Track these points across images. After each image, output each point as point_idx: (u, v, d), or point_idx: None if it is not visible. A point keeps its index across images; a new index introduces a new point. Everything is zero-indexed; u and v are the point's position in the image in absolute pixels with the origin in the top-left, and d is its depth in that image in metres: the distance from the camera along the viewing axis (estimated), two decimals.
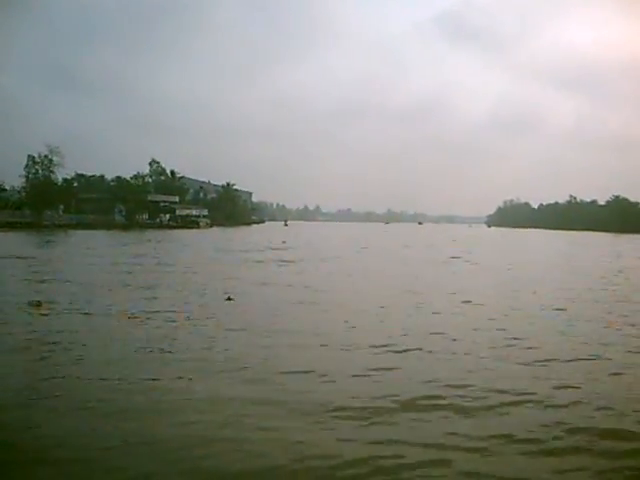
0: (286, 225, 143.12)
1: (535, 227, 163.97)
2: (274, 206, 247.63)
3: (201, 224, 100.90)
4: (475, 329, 12.05)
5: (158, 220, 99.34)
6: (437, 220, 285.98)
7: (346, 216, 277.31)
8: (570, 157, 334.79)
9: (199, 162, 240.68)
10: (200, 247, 43.26)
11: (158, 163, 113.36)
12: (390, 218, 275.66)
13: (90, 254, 32.63)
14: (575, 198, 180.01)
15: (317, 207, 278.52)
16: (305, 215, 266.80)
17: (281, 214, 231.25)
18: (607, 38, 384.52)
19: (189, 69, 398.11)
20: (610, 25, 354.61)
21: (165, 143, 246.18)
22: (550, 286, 21.05)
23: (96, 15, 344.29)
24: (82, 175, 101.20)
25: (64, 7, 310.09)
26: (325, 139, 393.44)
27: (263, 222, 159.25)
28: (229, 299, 15.55)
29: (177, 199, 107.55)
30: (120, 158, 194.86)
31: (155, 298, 15.71)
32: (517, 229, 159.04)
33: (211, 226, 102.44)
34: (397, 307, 15.16)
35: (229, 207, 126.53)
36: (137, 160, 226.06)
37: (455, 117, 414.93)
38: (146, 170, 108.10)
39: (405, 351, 9.96)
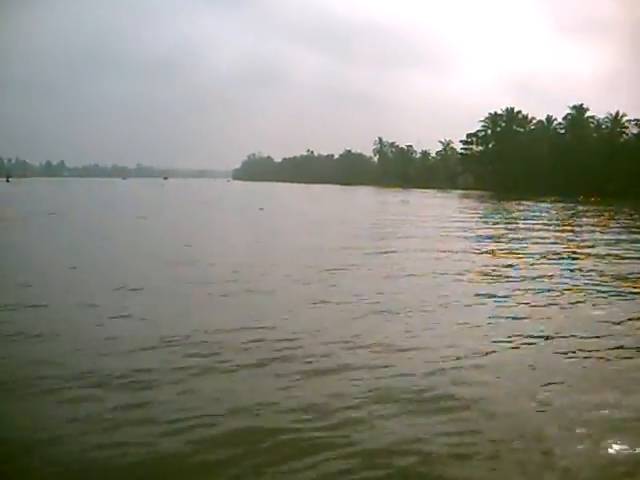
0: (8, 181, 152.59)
1: (278, 180, 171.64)
2: (12, 161, 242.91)
3: None
4: None
5: None
6: (190, 175, 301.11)
7: (94, 171, 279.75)
8: (313, 113, 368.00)
9: None
10: None
11: None
12: (140, 173, 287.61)
13: None
14: (312, 152, 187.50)
15: (61, 162, 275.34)
16: (49, 171, 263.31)
17: (22, 170, 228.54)
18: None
19: None
20: None
21: None
22: None
23: None
24: None
25: None
26: (70, 93, 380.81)
27: None
28: None
29: None
30: None
31: None
32: (261, 182, 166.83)
33: None
34: None
35: None
36: None
37: (202, 72, 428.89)
38: None
39: None
